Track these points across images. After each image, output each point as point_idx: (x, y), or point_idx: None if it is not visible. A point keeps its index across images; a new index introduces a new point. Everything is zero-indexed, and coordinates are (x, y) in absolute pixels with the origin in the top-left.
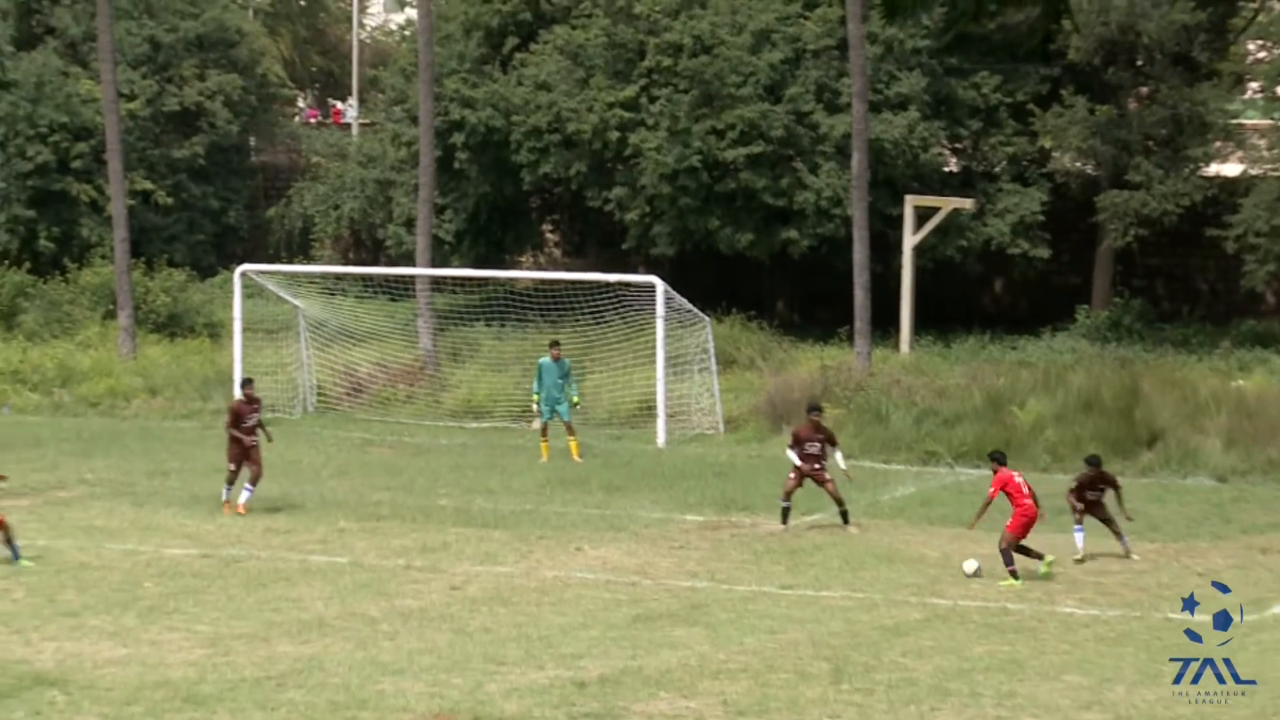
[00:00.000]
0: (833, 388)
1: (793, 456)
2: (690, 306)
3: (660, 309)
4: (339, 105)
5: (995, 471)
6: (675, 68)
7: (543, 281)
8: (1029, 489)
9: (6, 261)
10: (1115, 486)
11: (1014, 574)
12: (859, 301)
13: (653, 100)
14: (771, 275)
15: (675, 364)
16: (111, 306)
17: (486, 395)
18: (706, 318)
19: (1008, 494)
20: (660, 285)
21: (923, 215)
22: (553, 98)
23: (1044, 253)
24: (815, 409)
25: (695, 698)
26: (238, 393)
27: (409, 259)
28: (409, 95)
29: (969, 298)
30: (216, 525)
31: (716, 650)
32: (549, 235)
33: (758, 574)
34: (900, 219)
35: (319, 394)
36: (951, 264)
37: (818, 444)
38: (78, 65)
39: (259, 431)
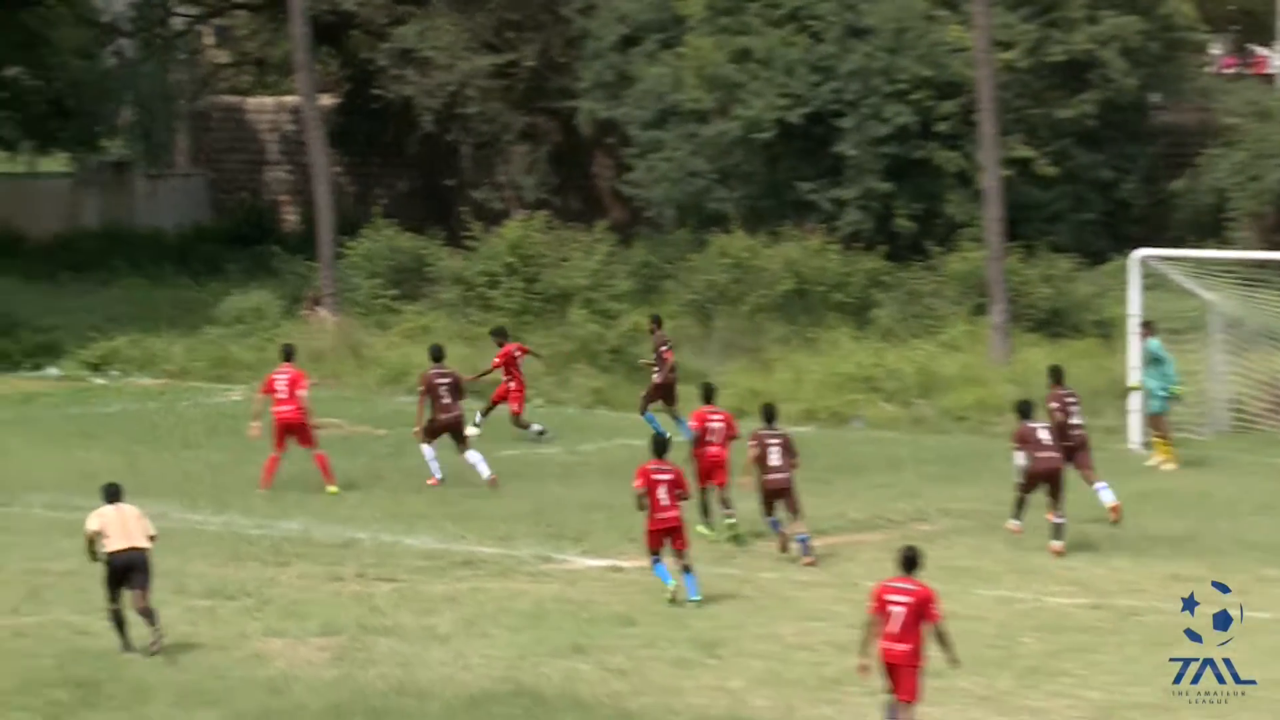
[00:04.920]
0: None
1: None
2: None
3: None
4: (1262, 52)
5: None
6: None
7: None
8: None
9: (859, 244)
10: None
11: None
12: None
13: None
14: None
15: None
16: (981, 299)
17: None
18: None
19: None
20: None
21: None
22: None
23: None
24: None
25: None
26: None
27: None
28: None
29: None
30: (1109, 570)
31: None
32: None
33: None
34: None
35: (1236, 410)
36: None
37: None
38: (945, 8)
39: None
